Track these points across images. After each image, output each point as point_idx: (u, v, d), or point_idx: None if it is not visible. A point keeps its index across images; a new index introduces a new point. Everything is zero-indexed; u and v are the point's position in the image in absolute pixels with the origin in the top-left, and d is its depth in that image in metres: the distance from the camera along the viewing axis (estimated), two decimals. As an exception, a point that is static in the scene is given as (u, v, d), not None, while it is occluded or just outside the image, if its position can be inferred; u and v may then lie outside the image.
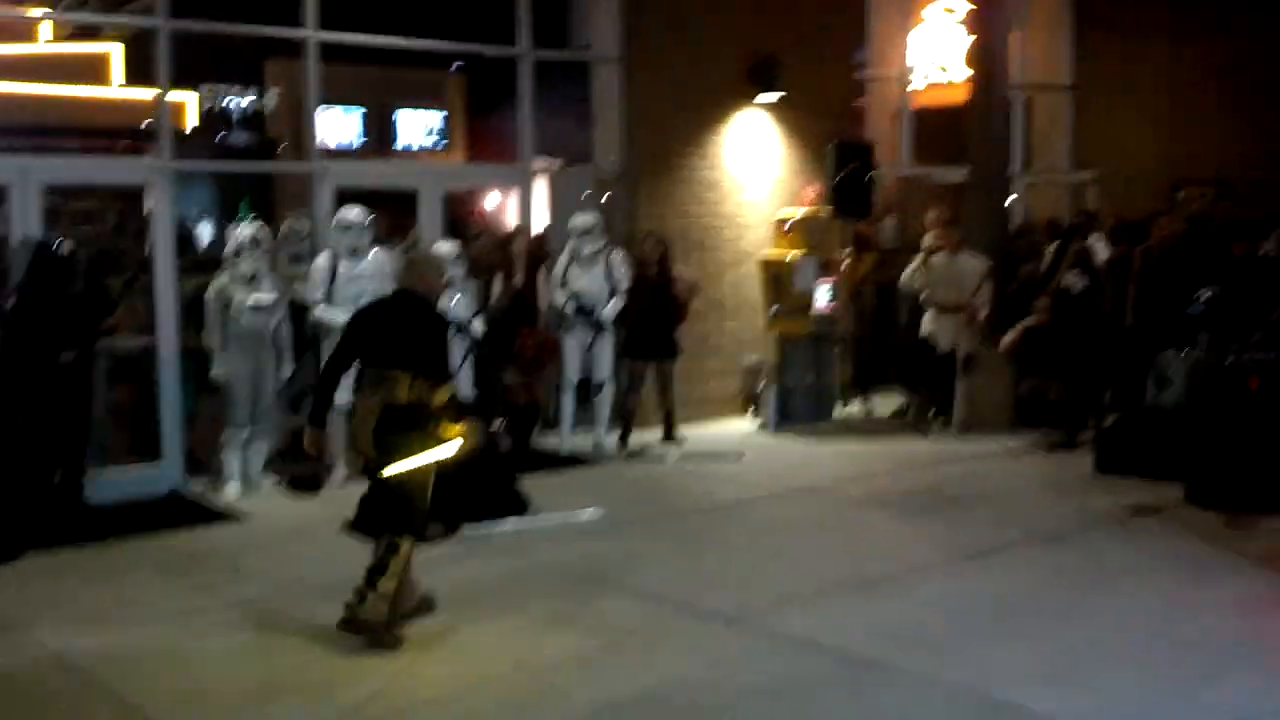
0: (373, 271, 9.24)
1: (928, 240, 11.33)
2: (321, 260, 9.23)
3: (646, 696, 5.16)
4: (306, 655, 5.75)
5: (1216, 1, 14.04)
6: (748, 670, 5.43)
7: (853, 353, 12.12)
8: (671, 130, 11.50)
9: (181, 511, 8.56)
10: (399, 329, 6.01)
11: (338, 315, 9.07)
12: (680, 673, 5.43)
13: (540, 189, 12.19)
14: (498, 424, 9.49)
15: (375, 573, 5.80)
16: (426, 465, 5.88)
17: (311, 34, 9.83)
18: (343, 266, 9.16)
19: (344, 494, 8.57)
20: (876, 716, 4.97)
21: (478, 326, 9.56)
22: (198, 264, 9.90)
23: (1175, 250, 10.51)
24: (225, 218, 14.31)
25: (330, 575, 6.95)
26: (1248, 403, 8.10)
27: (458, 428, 5.97)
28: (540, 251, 10.78)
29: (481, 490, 7.91)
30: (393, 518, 5.93)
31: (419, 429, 5.85)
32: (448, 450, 5.94)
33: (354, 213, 9.26)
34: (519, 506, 8.12)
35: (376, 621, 5.75)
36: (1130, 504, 8.29)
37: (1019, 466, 9.70)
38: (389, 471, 5.87)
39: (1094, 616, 6.08)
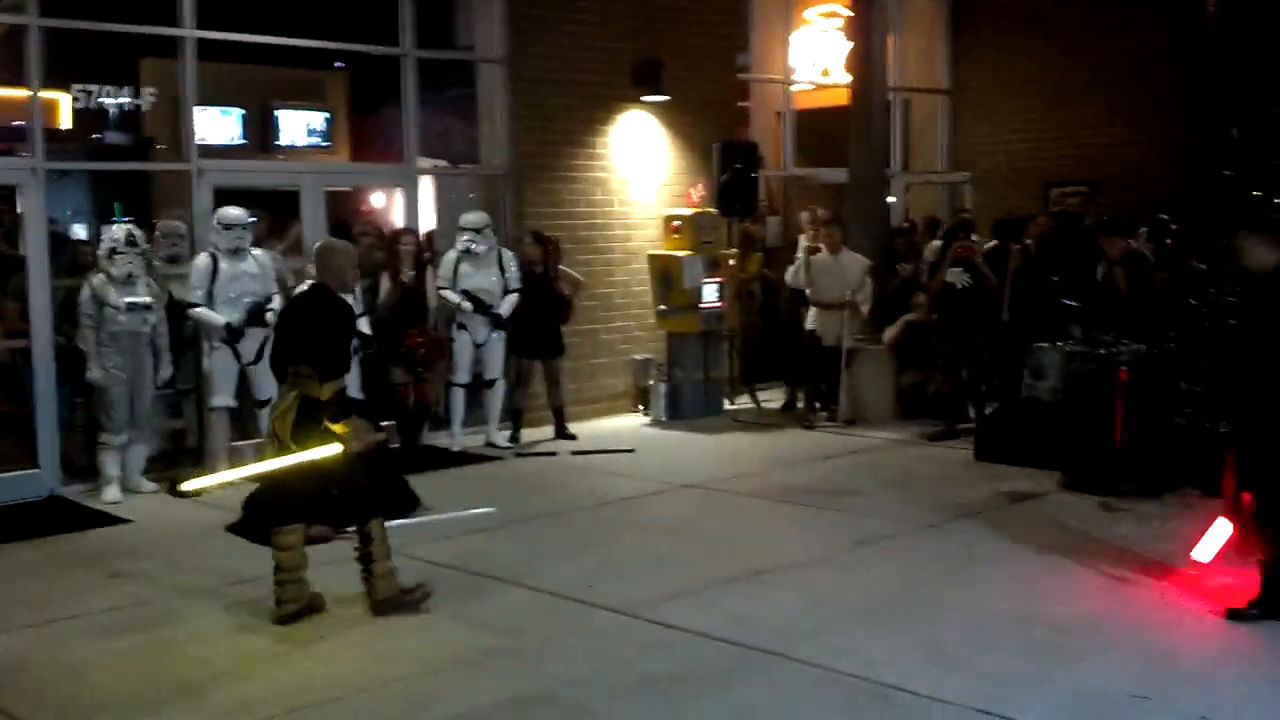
0: (255, 271, 9.11)
1: (803, 240, 11.59)
2: (201, 260, 9.06)
3: (540, 695, 5.16)
4: (191, 658, 5.64)
5: (1088, 10, 14.51)
6: (639, 664, 5.46)
7: (741, 348, 12.28)
8: (558, 131, 11.52)
9: (62, 515, 8.34)
10: (303, 324, 6.11)
11: (217, 316, 8.94)
12: (573, 669, 5.43)
13: (426, 189, 12.11)
14: (387, 423, 9.43)
15: (365, 561, 6.16)
16: (321, 459, 5.96)
17: (188, 32, 9.65)
18: (224, 266, 9.01)
19: (227, 496, 8.43)
20: (765, 705, 5.04)
21: (365, 326, 9.48)
22: (72, 265, 9.61)
23: (1048, 247, 10.84)
24: (101, 218, 13.96)
25: (213, 577, 6.86)
26: (1119, 392, 8.38)
27: (338, 427, 6.02)
28: (428, 250, 10.72)
29: (370, 490, 7.81)
30: (356, 508, 6.30)
31: (310, 422, 5.97)
32: (330, 450, 5.97)
33: (234, 212, 9.13)
34: (409, 505, 8.06)
35: (395, 594, 6.14)
36: (1008, 491, 8.54)
37: (901, 457, 9.91)
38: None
39: (972, 602, 6.24)
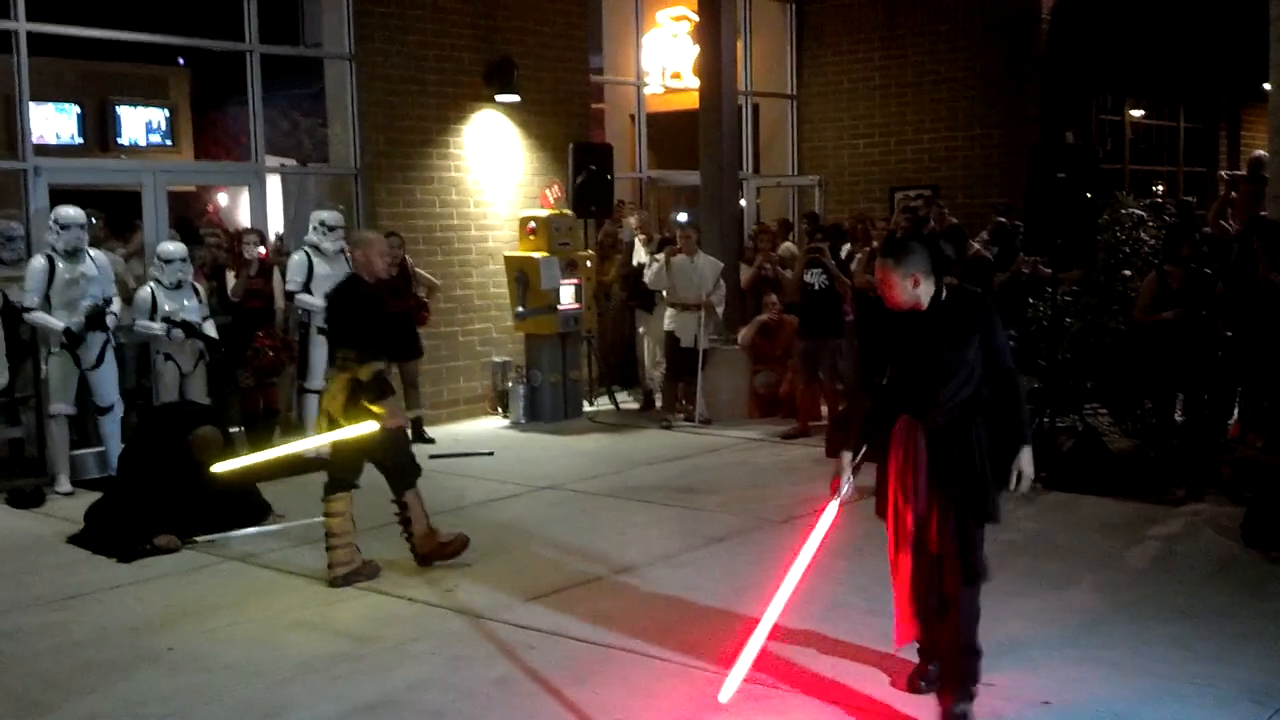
0: (93, 274, 8.81)
1: (639, 243, 11.78)
2: (37, 262, 8.73)
3: (390, 699, 5.10)
4: (26, 674, 5.44)
5: (927, 18, 14.96)
6: (495, 667, 5.45)
7: (599, 350, 12.34)
8: (409, 129, 11.40)
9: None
10: (339, 312, 6.80)
11: (55, 320, 8.62)
12: (426, 673, 5.39)
13: (274, 188, 11.87)
14: (235, 429, 9.22)
15: (405, 525, 6.88)
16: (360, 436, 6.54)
17: (20, 25, 9.29)
18: (61, 268, 8.69)
19: (68, 507, 8.17)
20: (620, 698, 5.08)
21: (211, 329, 9.26)
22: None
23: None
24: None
25: (54, 590, 6.62)
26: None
27: (377, 407, 6.52)
28: (276, 250, 10.51)
29: (219, 497, 7.65)
30: (394, 480, 6.88)
31: (352, 401, 6.54)
32: (369, 426, 6.52)
33: (71, 212, 8.80)
34: (259, 512, 7.89)
35: (434, 548, 6.87)
36: (858, 485, 8.69)
37: (756, 456, 10.07)
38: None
39: (819, 594, 6.35)
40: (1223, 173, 15.16)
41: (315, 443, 7.32)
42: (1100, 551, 7.13)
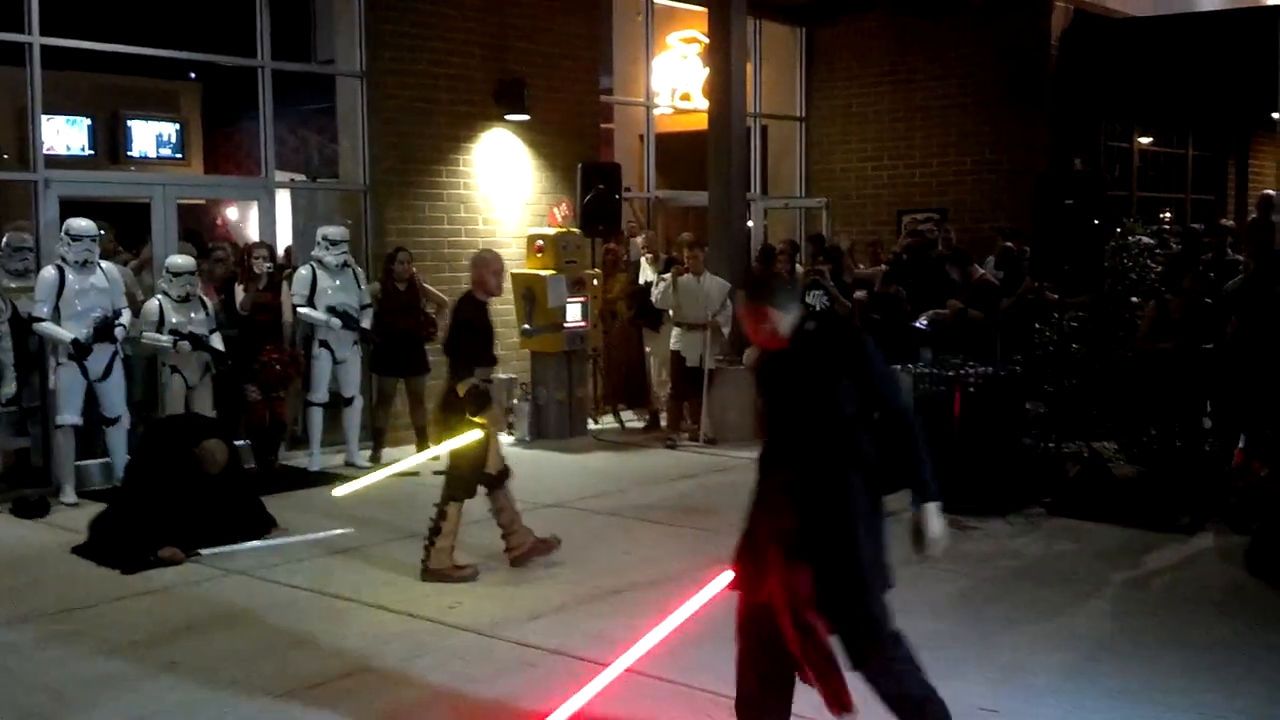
0: (103, 285, 8.84)
1: (644, 261, 11.80)
2: (47, 273, 8.76)
3: (393, 717, 5.10)
4: (30, 686, 5.44)
5: (936, 42, 15.01)
6: (495, 684, 5.44)
7: (605, 368, 12.35)
8: (419, 147, 11.45)
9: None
10: (452, 323, 7.22)
11: (64, 331, 8.64)
12: (429, 691, 5.38)
13: (283, 202, 11.92)
14: (242, 443, 9.24)
15: (433, 533, 6.97)
16: (469, 444, 6.86)
17: (34, 39, 9.35)
18: (71, 279, 8.72)
19: (73, 517, 8.18)
20: (621, 716, 5.08)
21: (218, 342, 9.29)
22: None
23: (901, 272, 11.16)
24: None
25: (57, 601, 6.63)
26: (963, 413, 8.65)
27: (478, 419, 6.84)
28: (283, 265, 10.55)
29: (224, 510, 7.67)
30: (445, 488, 7.04)
31: (455, 413, 6.86)
32: (467, 438, 6.81)
33: (82, 224, 8.84)
34: (264, 526, 7.90)
35: (444, 570, 6.95)
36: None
37: (760, 477, 10.04)
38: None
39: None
40: (1226, 221, 15.22)
41: (430, 455, 7.55)
42: (1104, 579, 7.12)
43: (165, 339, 9.05)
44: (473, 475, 7.04)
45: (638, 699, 5.22)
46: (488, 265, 7.21)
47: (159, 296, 9.20)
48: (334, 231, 10.11)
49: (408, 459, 7.77)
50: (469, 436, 6.84)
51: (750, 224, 14.86)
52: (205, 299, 9.38)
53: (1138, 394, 9.01)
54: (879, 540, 4.27)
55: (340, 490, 7.22)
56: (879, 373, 4.24)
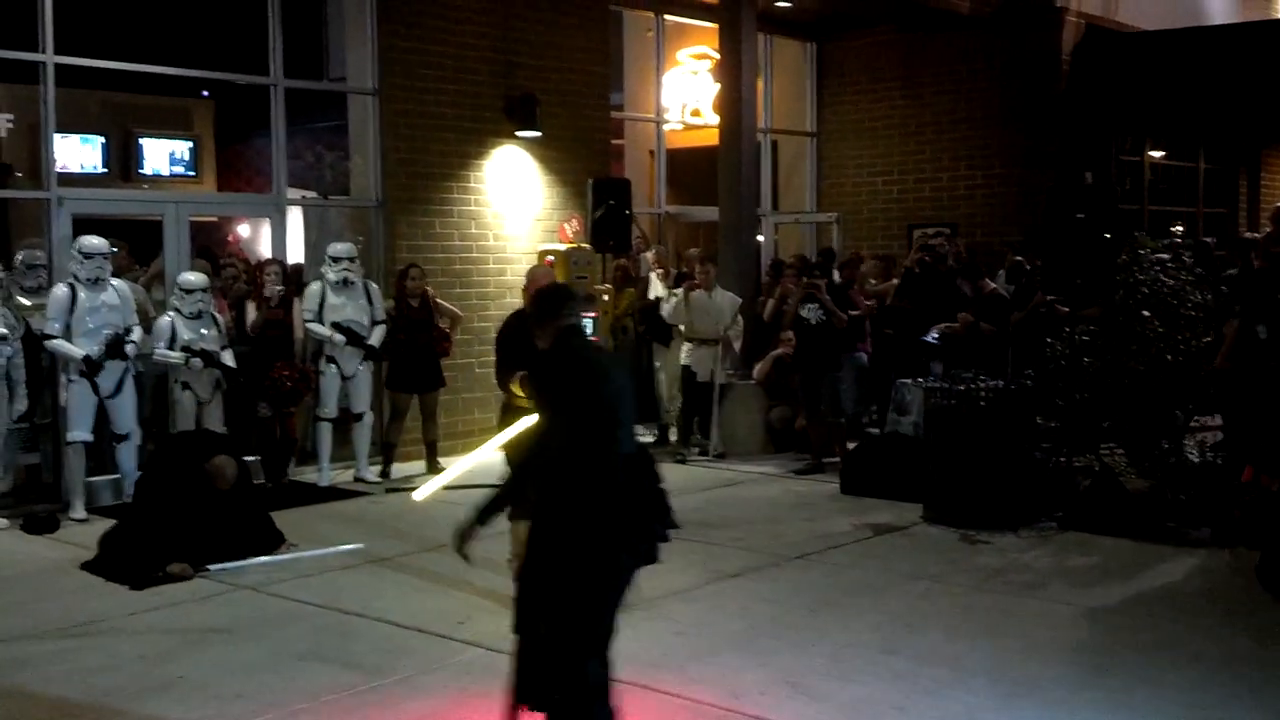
0: (115, 302, 8.88)
1: (654, 277, 11.74)
2: (59, 291, 8.80)
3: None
4: (39, 702, 5.45)
5: (949, 56, 15.01)
6: (500, 701, 5.42)
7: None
8: (430, 164, 11.48)
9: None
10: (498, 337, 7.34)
11: (75, 349, 8.68)
12: (438, 706, 5.38)
13: (295, 219, 11.97)
14: (252, 458, 9.26)
15: None
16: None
17: (48, 58, 9.41)
18: (82, 297, 8.75)
19: (82, 533, 8.20)
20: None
21: (230, 359, 9.31)
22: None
23: (911, 286, 11.14)
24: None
25: (66, 616, 6.64)
26: (975, 426, 8.63)
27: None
28: (294, 281, 10.58)
29: (234, 526, 7.68)
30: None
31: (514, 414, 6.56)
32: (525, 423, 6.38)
33: (94, 241, 8.88)
34: (273, 542, 7.91)
35: None
36: (873, 523, 8.72)
37: (771, 490, 10.05)
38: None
39: (834, 632, 6.35)
40: (1251, 233, 15.17)
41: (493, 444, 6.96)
42: (1115, 593, 7.08)
43: (176, 356, 9.08)
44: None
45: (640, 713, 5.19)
46: (535, 281, 7.26)
47: (170, 313, 9.24)
48: (337, 248, 10.13)
49: (472, 453, 7.49)
50: (526, 421, 6.70)
51: (761, 239, 14.85)
52: (217, 315, 9.42)
53: (1153, 406, 8.96)
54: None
55: (419, 494, 7.15)
56: (566, 404, 4.31)
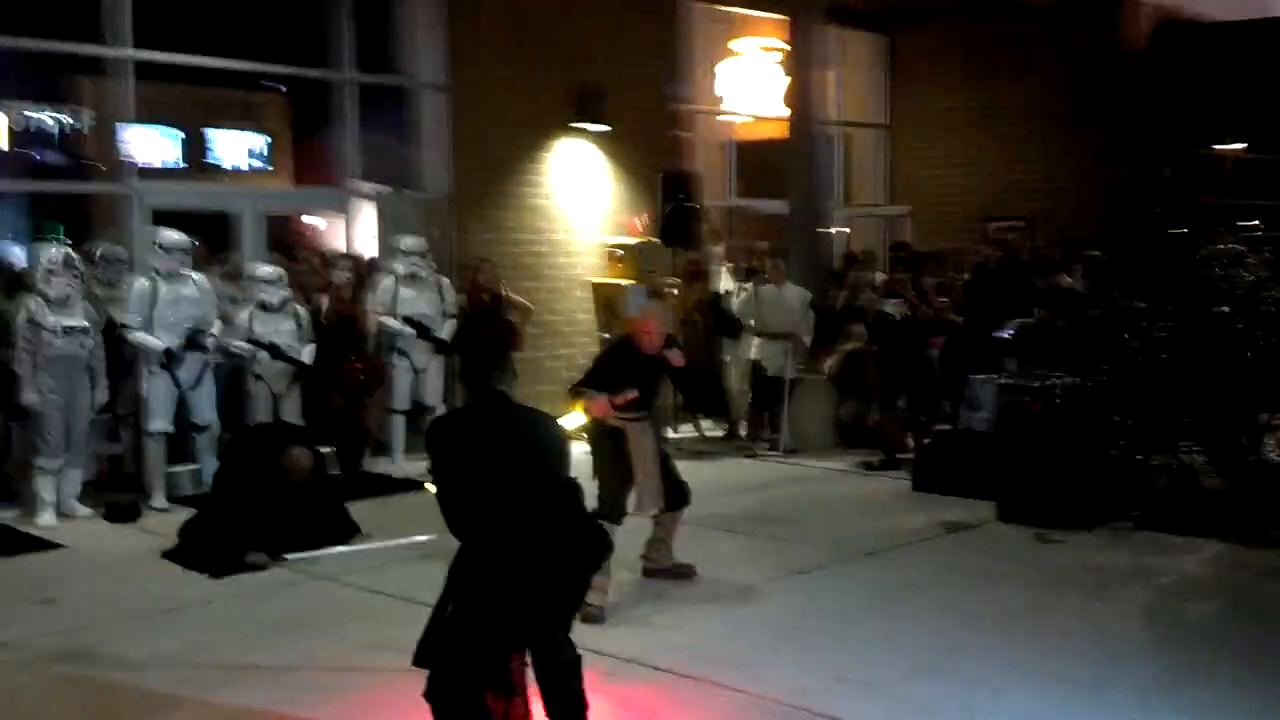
0: (194, 296, 9.03)
1: (725, 272, 11.66)
2: (140, 284, 8.97)
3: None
4: (117, 688, 5.57)
5: (1022, 48, 14.81)
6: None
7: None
8: (499, 158, 11.56)
9: (-5, 539, 8.19)
10: None
11: (155, 341, 8.84)
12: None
13: (368, 213, 12.09)
14: (326, 449, 9.37)
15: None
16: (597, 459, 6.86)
17: (127, 53, 9.59)
18: (163, 290, 8.91)
19: (163, 522, 8.35)
20: None
21: (308, 353, 9.41)
22: (9, 287, 9.46)
23: (985, 280, 11.02)
24: (37, 240, 13.76)
25: (147, 603, 6.78)
26: (1049, 424, 8.53)
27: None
28: (366, 275, 10.69)
29: (309, 516, 7.80)
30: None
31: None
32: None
33: (174, 236, 9.04)
34: (348, 532, 8.02)
35: (666, 565, 7.18)
36: (945, 521, 8.64)
37: (841, 487, 10.00)
38: None
39: (903, 631, 6.31)
40: None
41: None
42: (1191, 593, 6.98)
43: (245, 348, 9.22)
44: (610, 489, 6.77)
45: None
46: (642, 321, 7.12)
47: (252, 306, 9.38)
48: (408, 242, 10.21)
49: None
50: (570, 417, 6.61)
51: (833, 232, 14.77)
52: (300, 309, 9.51)
53: (1229, 405, 8.80)
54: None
55: None
56: None
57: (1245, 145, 16.69)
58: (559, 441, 4.58)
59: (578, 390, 6.85)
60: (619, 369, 6.92)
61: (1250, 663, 5.80)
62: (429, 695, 4.34)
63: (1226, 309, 9.30)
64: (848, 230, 16.11)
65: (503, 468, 4.38)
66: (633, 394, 6.73)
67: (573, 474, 4.68)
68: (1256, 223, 15.75)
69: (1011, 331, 10.39)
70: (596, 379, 6.89)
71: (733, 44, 14.78)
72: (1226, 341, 8.98)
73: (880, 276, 13.02)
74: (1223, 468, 9.05)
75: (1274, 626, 6.39)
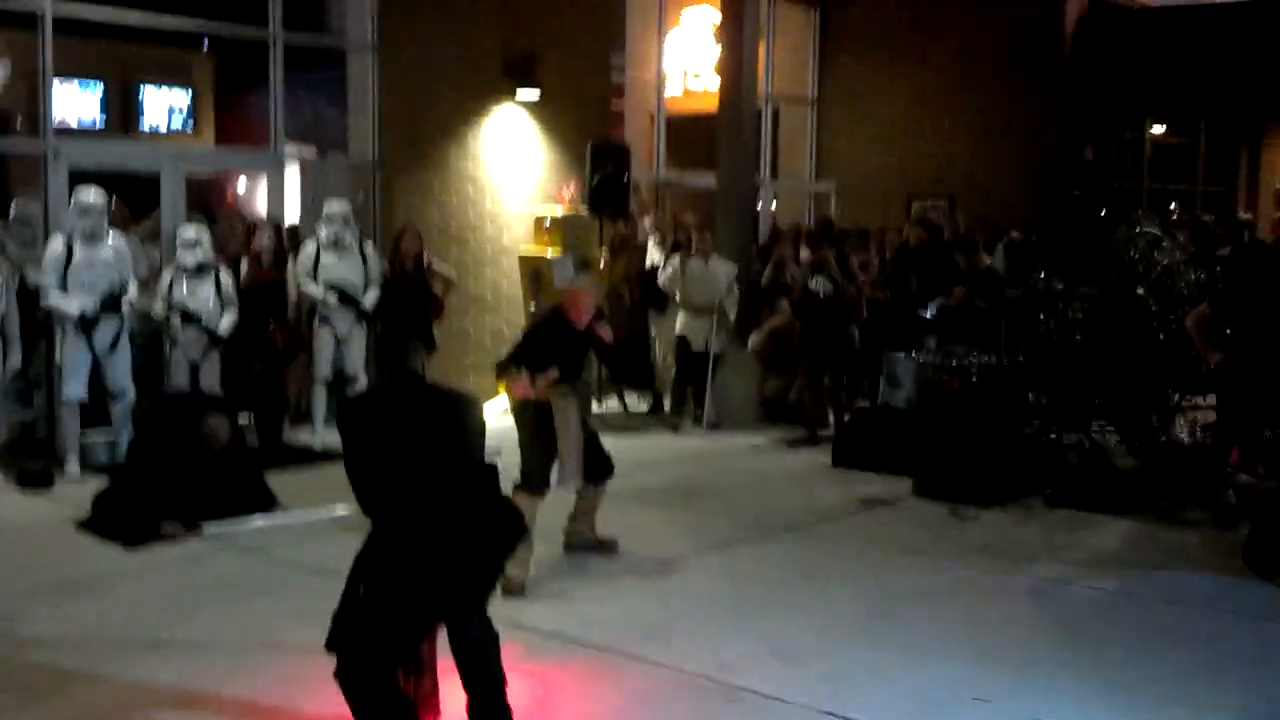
0: (110, 259, 8.84)
1: (652, 243, 11.73)
2: (56, 245, 8.77)
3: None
4: (26, 662, 5.49)
5: (950, 27, 14.94)
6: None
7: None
8: (428, 123, 11.43)
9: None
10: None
11: (72, 303, 8.66)
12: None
13: (293, 176, 11.93)
14: (245, 418, 9.27)
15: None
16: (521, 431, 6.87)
17: (46, 4, 9.34)
18: (78, 252, 8.72)
19: (76, 491, 8.22)
20: (610, 703, 5.12)
21: (227, 320, 9.27)
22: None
23: (908, 259, 11.14)
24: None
25: (59, 575, 6.68)
26: (966, 402, 8.67)
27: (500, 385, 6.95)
28: (291, 240, 10.55)
29: (227, 486, 7.71)
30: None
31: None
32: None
33: (91, 194, 8.82)
34: (266, 502, 7.95)
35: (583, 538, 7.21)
36: (863, 497, 8.77)
37: (762, 462, 10.09)
38: None
39: (821, 604, 6.41)
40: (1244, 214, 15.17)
41: None
42: (1100, 569, 7.14)
43: (160, 311, 9.07)
44: (534, 461, 6.79)
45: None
46: (575, 295, 7.07)
47: (171, 269, 9.21)
48: (332, 207, 10.01)
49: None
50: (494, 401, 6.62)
51: (760, 207, 14.83)
52: (223, 274, 9.33)
53: (1142, 386, 9.00)
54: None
55: None
56: None
57: (1165, 129, 17.03)
58: (475, 422, 4.57)
59: (504, 368, 6.81)
60: (548, 342, 6.92)
61: (1156, 634, 6.00)
62: (339, 675, 4.32)
63: (1141, 291, 9.51)
64: (774, 205, 16.21)
65: (418, 449, 4.37)
66: (554, 375, 6.73)
67: (493, 448, 4.68)
68: (1173, 206, 16.09)
69: (933, 310, 10.54)
70: (526, 352, 6.88)
71: (666, 13, 14.70)
72: (1140, 323, 9.19)
73: (805, 253, 13.12)
74: (1134, 447, 9.28)
75: (1181, 600, 6.56)
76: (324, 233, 9.90)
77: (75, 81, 15.95)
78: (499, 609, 6.15)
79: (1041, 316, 9.62)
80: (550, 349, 6.85)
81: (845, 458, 9.71)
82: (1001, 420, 8.73)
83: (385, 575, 4.32)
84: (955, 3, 14.69)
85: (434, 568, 4.29)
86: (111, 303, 8.78)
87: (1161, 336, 9.02)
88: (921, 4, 15.05)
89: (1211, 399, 9.11)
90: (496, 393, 7.02)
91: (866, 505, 8.60)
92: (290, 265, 10.04)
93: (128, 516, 7.35)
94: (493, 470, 4.59)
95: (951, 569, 7.08)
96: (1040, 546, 7.61)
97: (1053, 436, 9.09)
